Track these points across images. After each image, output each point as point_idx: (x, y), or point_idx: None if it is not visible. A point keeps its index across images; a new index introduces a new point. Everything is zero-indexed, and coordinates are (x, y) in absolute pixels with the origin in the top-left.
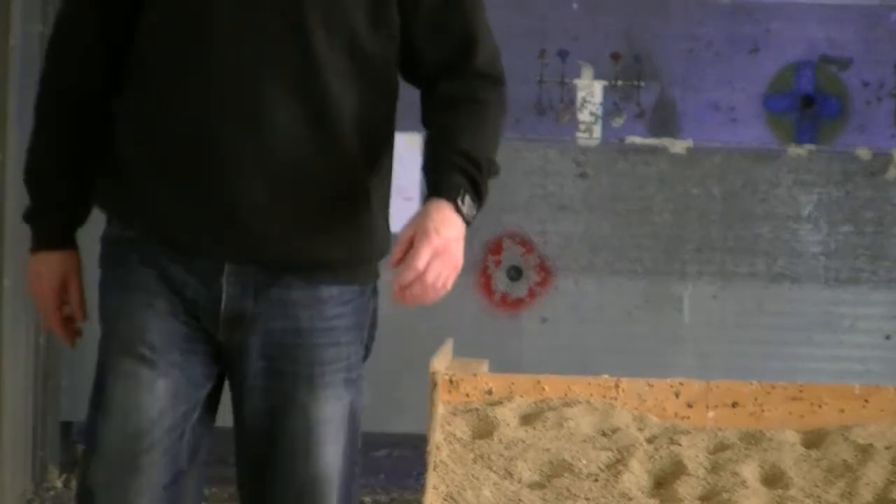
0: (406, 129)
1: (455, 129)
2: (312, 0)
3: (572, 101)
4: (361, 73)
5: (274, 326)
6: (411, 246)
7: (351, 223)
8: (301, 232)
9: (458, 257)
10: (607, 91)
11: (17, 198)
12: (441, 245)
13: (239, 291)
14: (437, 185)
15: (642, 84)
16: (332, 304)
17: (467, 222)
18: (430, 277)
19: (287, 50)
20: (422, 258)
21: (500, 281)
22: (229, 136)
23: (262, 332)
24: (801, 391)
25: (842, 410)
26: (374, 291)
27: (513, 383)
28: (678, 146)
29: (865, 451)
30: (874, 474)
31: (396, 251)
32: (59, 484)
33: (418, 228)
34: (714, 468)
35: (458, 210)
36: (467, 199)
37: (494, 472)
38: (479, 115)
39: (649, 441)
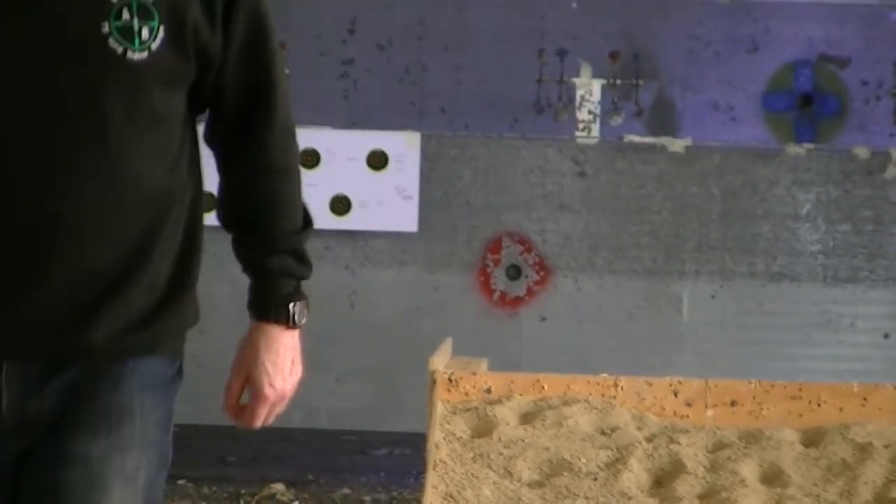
0: (405, 127)
1: (268, 212)
2: (107, 75)
3: (571, 100)
4: (157, 133)
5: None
6: (241, 389)
7: (143, 299)
8: (87, 319)
9: (297, 371)
10: (606, 90)
11: None
12: (278, 396)
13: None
14: (262, 302)
15: (641, 83)
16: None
17: (300, 325)
18: (270, 419)
19: (81, 132)
20: (259, 418)
21: (500, 280)
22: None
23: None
24: (800, 390)
25: (841, 409)
26: (179, 371)
27: (512, 382)
28: (677, 145)
29: (864, 450)
30: (873, 473)
31: (227, 398)
32: None
33: (250, 379)
34: (713, 467)
35: (291, 325)
36: (297, 307)
37: (494, 470)
38: (287, 187)
39: (648, 440)
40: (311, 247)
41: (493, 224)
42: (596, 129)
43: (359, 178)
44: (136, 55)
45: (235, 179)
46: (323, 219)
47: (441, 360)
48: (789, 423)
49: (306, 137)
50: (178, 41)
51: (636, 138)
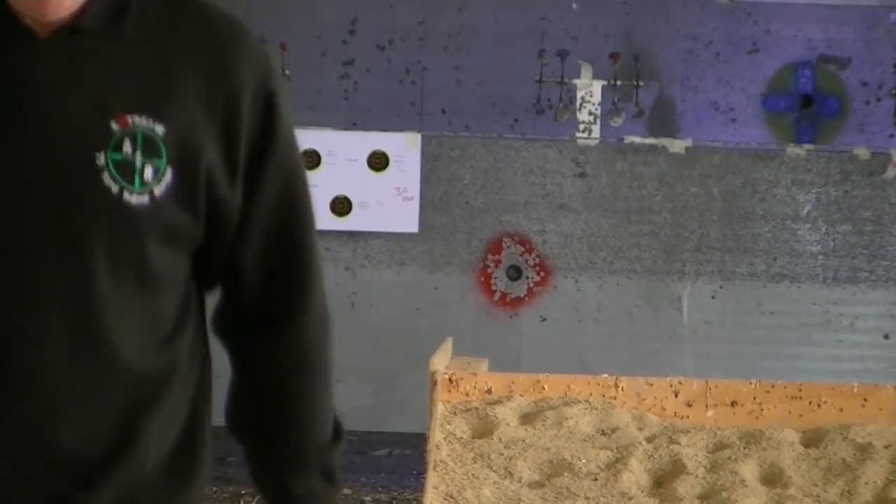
0: (405, 128)
1: (290, 424)
2: (96, 219)
3: (571, 101)
4: (151, 304)
5: None
6: None
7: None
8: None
9: None
10: (606, 91)
11: None
12: None
13: None
14: None
15: (641, 84)
16: None
17: None
18: None
19: (58, 290)
20: None
21: (500, 280)
22: None
23: None
24: (800, 390)
25: (841, 409)
26: None
27: (512, 382)
28: (677, 146)
29: (864, 450)
30: (873, 473)
31: None
32: None
33: None
34: (713, 467)
35: None
36: None
37: (494, 471)
38: (316, 390)
39: (649, 440)
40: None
41: (494, 225)
42: (596, 130)
43: (359, 178)
44: (135, 198)
45: (253, 379)
46: (323, 219)
47: (441, 361)
48: (789, 424)
49: (307, 138)
50: (188, 189)
51: (636, 139)
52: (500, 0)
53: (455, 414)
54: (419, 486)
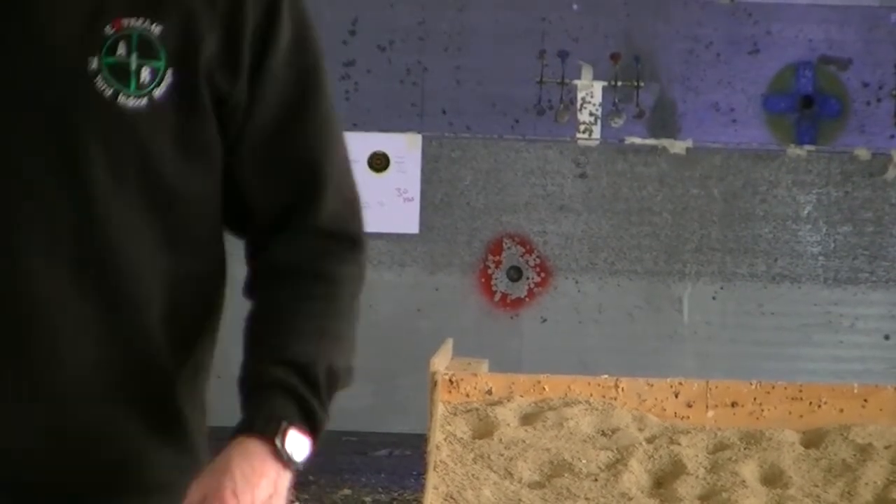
0: (405, 128)
1: (281, 324)
2: (91, 125)
3: (572, 102)
4: (169, 226)
5: None
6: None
7: (159, 450)
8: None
9: None
10: (607, 91)
11: None
12: None
13: None
14: (248, 415)
15: (642, 84)
16: None
17: (292, 467)
18: None
19: (57, 206)
20: None
21: (500, 281)
22: None
23: None
24: (800, 391)
25: (841, 410)
26: None
27: (513, 383)
28: (678, 146)
29: (865, 451)
30: (873, 474)
31: None
32: None
33: (211, 490)
34: (713, 468)
35: (277, 453)
36: (291, 433)
37: (494, 471)
38: (319, 300)
39: (649, 441)
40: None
41: (494, 225)
42: (597, 131)
43: (360, 179)
44: (132, 101)
45: (258, 301)
46: None
47: (442, 361)
48: (790, 424)
49: None
50: (191, 89)
51: (637, 140)
52: (500, 0)
53: (455, 414)
54: (419, 487)
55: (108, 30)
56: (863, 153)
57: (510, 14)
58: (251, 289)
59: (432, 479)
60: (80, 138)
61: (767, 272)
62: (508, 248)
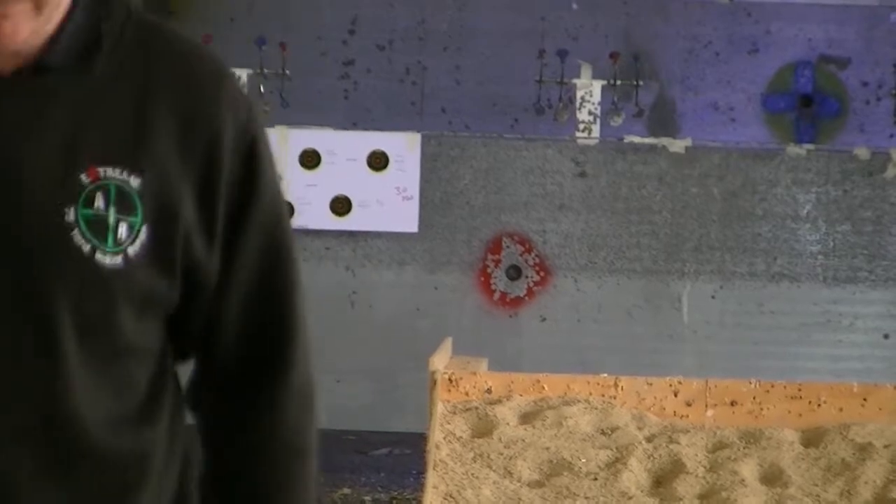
0: (406, 128)
1: None
2: (65, 280)
3: (571, 101)
4: (120, 375)
5: None
6: None
7: None
8: None
9: None
10: (606, 90)
11: None
12: None
13: None
14: None
15: (641, 83)
16: None
17: None
18: None
19: (22, 363)
20: None
21: (500, 280)
22: None
23: None
24: (799, 390)
25: (840, 409)
26: None
27: (512, 382)
28: (677, 145)
29: (864, 450)
30: (873, 473)
31: None
32: None
33: None
34: (713, 467)
35: None
36: None
37: (494, 470)
38: (297, 474)
39: (648, 440)
40: (312, 248)
41: (494, 224)
42: (596, 130)
43: (359, 178)
44: (109, 259)
45: (229, 460)
46: (323, 219)
47: (441, 360)
48: (789, 423)
49: (307, 138)
50: (165, 249)
51: (636, 139)
52: (500, 0)
53: (455, 413)
54: (419, 486)
55: (85, 178)
56: (862, 152)
57: (509, 13)
58: (210, 434)
59: (432, 478)
60: (52, 292)
61: (767, 271)
62: (508, 246)
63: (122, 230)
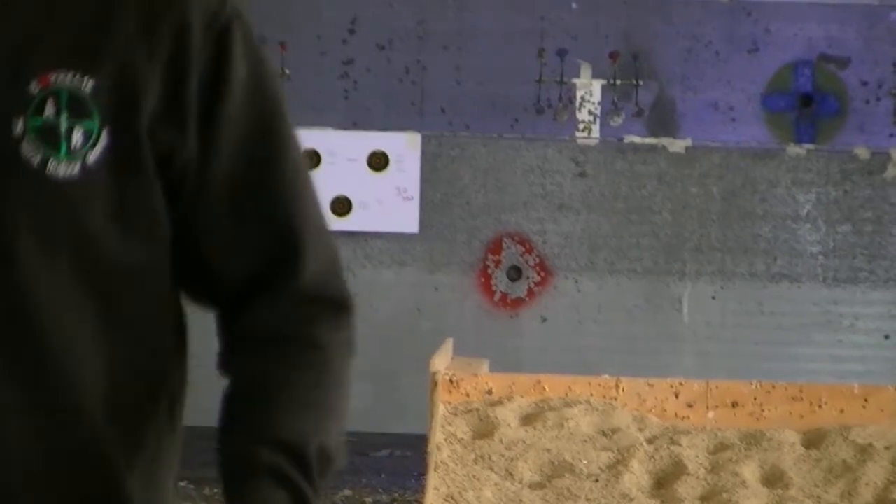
0: (406, 128)
1: (267, 398)
2: (17, 197)
3: (571, 101)
4: (110, 303)
5: None
6: None
7: None
8: None
9: None
10: (606, 90)
11: None
12: None
13: None
14: None
15: (641, 83)
16: None
17: None
18: None
19: None
20: None
21: (500, 281)
22: None
23: None
24: (800, 391)
25: (841, 410)
26: None
27: (513, 383)
28: (677, 145)
29: (865, 451)
30: (874, 474)
31: None
32: None
33: None
34: (714, 468)
35: None
36: None
37: (495, 472)
38: (308, 369)
39: (649, 441)
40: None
41: (494, 225)
42: (596, 130)
43: (359, 178)
44: (63, 168)
45: (237, 373)
46: None
47: (442, 361)
48: (790, 425)
49: (307, 138)
50: (131, 151)
51: (636, 139)
52: (500, 0)
53: (456, 415)
54: (420, 488)
55: (34, 87)
56: (862, 152)
57: (509, 13)
58: (226, 363)
59: (433, 479)
60: (6, 212)
61: (767, 271)
62: (508, 247)
63: (78, 137)
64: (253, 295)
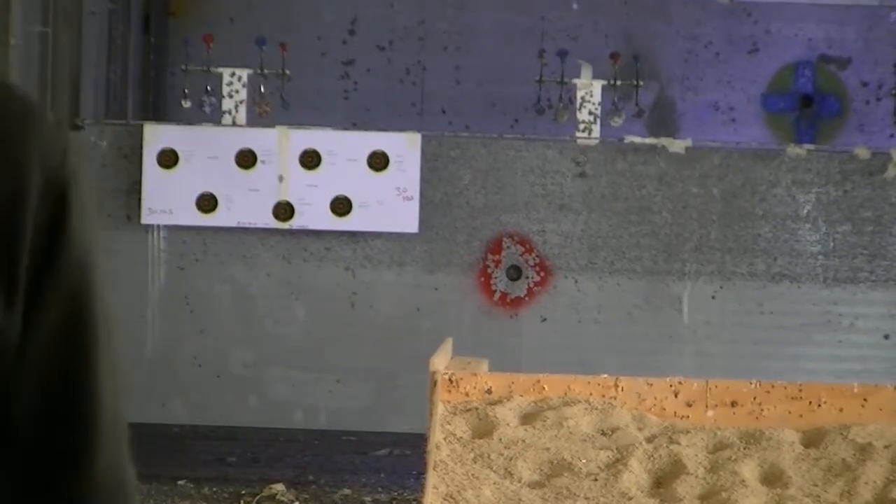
0: (406, 128)
1: None
2: None
3: (571, 101)
4: None
5: None
6: None
7: None
8: None
9: None
10: (606, 91)
11: None
12: None
13: None
14: None
15: (641, 84)
16: None
17: None
18: None
19: None
20: None
21: (500, 280)
22: None
23: None
24: (800, 390)
25: (841, 410)
26: None
27: (512, 383)
28: (677, 146)
29: (864, 450)
30: (873, 473)
31: None
32: None
33: None
34: (713, 467)
35: None
36: None
37: (494, 471)
38: None
39: (649, 440)
40: (312, 249)
41: (494, 225)
42: (596, 130)
43: (359, 178)
44: None
45: None
46: (324, 220)
47: (441, 361)
48: (789, 424)
49: (307, 138)
50: None
51: (636, 139)
52: (500, 0)
53: (455, 414)
54: (419, 487)
55: None
56: (862, 152)
57: (509, 13)
58: None
59: (432, 478)
60: None
61: (767, 271)
62: (508, 247)
63: None
64: (46, 478)
